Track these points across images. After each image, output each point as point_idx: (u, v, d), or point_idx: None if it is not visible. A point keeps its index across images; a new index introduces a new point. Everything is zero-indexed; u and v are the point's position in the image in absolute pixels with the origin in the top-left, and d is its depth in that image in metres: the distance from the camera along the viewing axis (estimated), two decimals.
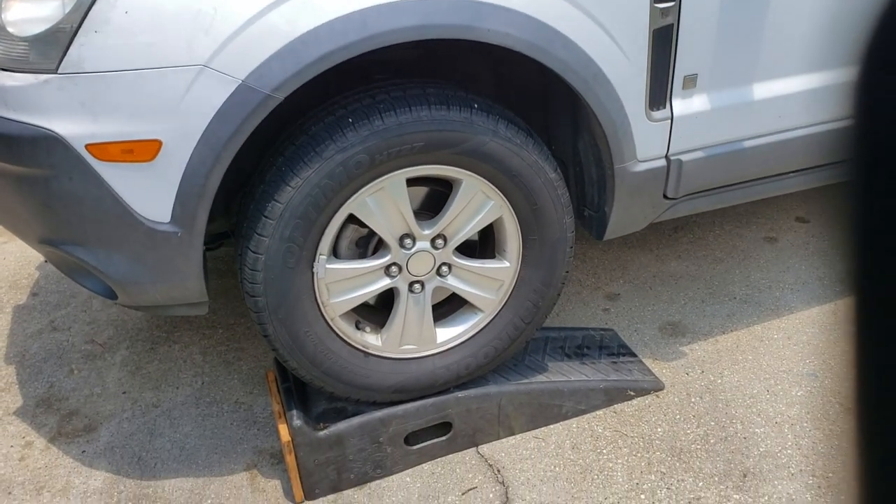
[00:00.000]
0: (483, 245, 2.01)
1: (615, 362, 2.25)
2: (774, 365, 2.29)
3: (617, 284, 2.72)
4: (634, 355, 2.31)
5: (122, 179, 1.59)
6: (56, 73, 1.52)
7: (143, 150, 1.56)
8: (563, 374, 2.14)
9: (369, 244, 1.87)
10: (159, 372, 2.47)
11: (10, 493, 2.04)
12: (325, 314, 1.83)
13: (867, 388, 0.45)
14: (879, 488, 0.46)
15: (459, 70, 2.07)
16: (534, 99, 2.10)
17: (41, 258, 3.21)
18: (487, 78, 2.12)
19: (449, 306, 2.03)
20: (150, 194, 1.61)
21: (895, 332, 0.42)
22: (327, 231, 1.74)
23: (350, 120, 1.66)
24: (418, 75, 1.91)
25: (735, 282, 2.70)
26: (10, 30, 1.56)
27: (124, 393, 2.39)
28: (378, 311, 1.98)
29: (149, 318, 2.74)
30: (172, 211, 1.62)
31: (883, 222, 0.42)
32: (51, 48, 1.52)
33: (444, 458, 2.04)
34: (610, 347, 2.32)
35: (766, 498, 1.86)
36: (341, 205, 1.72)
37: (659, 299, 2.63)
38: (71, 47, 1.51)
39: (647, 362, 2.30)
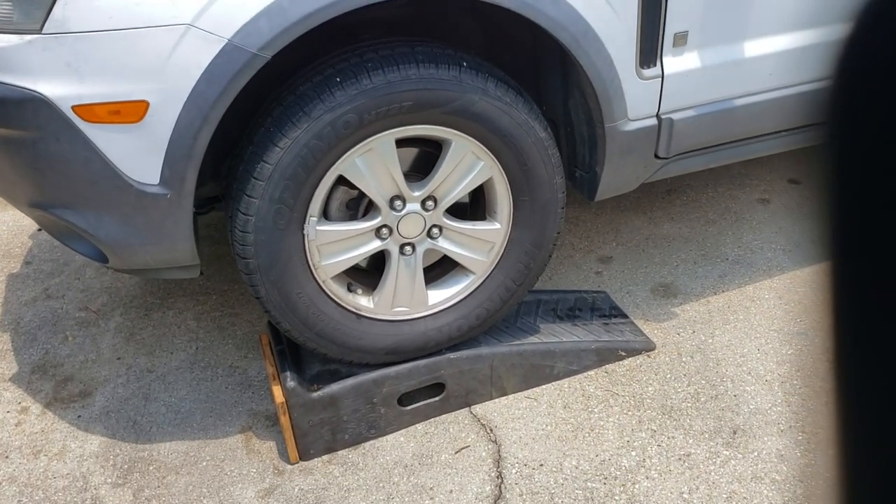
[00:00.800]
0: (473, 207, 2.01)
1: (607, 324, 2.26)
2: (765, 324, 2.31)
3: (609, 247, 2.72)
4: (626, 316, 2.32)
5: (109, 141, 1.58)
6: (40, 33, 1.51)
7: (130, 112, 1.55)
8: (555, 335, 2.15)
9: (360, 206, 1.87)
10: (153, 338, 2.48)
11: (7, 457, 2.05)
12: (316, 276, 1.83)
13: (844, 355, 0.45)
14: (858, 450, 0.46)
15: (450, 29, 2.05)
16: (524, 58, 2.09)
17: (34, 227, 3.20)
18: (478, 37, 2.11)
19: (440, 268, 2.03)
20: (139, 156, 1.60)
21: (869, 296, 0.42)
22: (317, 192, 1.74)
23: (338, 79, 1.65)
24: (409, 35, 1.90)
25: (727, 243, 2.71)
26: None
27: (119, 359, 2.40)
28: (370, 273, 1.99)
29: (142, 284, 2.75)
30: (161, 173, 1.62)
31: (858, 186, 0.41)
32: (34, 7, 1.51)
33: (437, 419, 2.05)
34: (602, 309, 2.33)
35: (756, 454, 1.88)
36: (330, 166, 1.71)
37: (651, 261, 2.63)
38: (55, 7, 1.49)
39: (639, 323, 2.32)
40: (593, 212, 2.93)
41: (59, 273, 2.88)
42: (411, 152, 1.88)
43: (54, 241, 3.12)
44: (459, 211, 1.97)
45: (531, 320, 2.21)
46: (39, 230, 3.20)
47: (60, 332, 2.55)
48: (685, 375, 2.13)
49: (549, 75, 2.03)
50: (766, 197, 2.98)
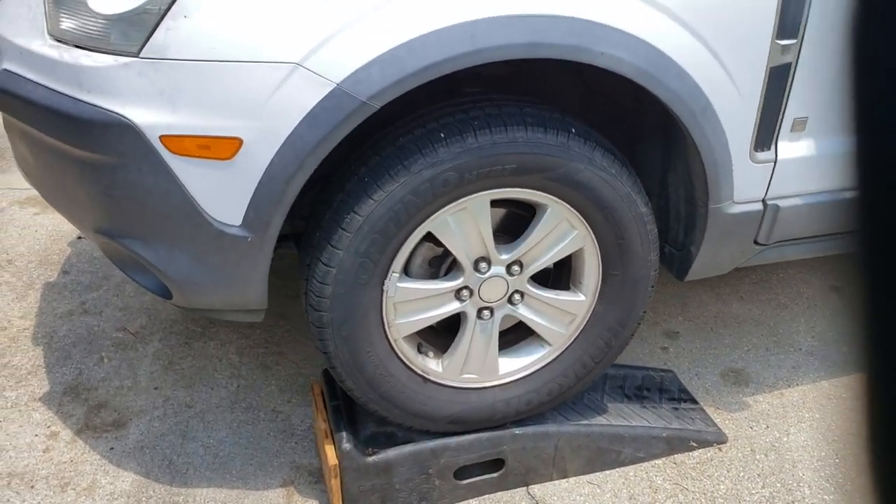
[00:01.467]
0: (557, 274, 1.90)
1: (676, 409, 2.13)
2: (843, 427, 2.17)
3: (676, 322, 2.60)
4: (696, 402, 2.19)
5: (194, 176, 1.48)
6: (137, 56, 1.42)
7: (220, 148, 1.45)
8: (624, 417, 2.02)
9: (442, 264, 1.76)
10: (193, 369, 2.37)
11: (32, 486, 1.94)
12: (388, 335, 1.72)
13: (884, 466, 0.42)
14: None
15: (545, 85, 1.95)
16: (620, 121, 1.98)
17: (74, 234, 3.11)
18: (574, 94, 2.00)
19: (514, 335, 1.91)
20: (223, 195, 1.50)
21: None
22: (403, 248, 1.63)
23: (442, 135, 1.54)
24: (500, 86, 1.80)
25: (800, 331, 2.58)
26: (92, 5, 1.46)
27: (156, 389, 2.28)
28: (440, 334, 1.87)
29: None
30: (245, 214, 1.51)
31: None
32: (134, 30, 1.42)
33: (492, 496, 1.92)
34: (670, 391, 2.20)
35: None
36: (421, 222, 1.61)
37: (721, 342, 2.50)
38: (157, 31, 1.40)
39: (709, 411, 2.18)
40: (660, 282, 2.80)
41: (98, 287, 2.78)
42: (499, 212, 1.78)
43: (94, 251, 3.02)
44: (542, 277, 1.86)
45: (598, 397, 2.08)
46: (80, 238, 3.10)
47: (96, 353, 2.44)
48: (759, 475, 2.00)
49: (649, 145, 1.92)
50: (839, 285, 2.85)
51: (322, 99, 1.41)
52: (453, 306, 1.75)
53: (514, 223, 1.78)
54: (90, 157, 1.51)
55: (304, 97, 1.41)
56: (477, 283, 1.73)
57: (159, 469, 2.01)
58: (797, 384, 2.33)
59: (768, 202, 1.82)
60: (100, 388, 2.28)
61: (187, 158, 1.47)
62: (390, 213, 1.55)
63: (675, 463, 2.02)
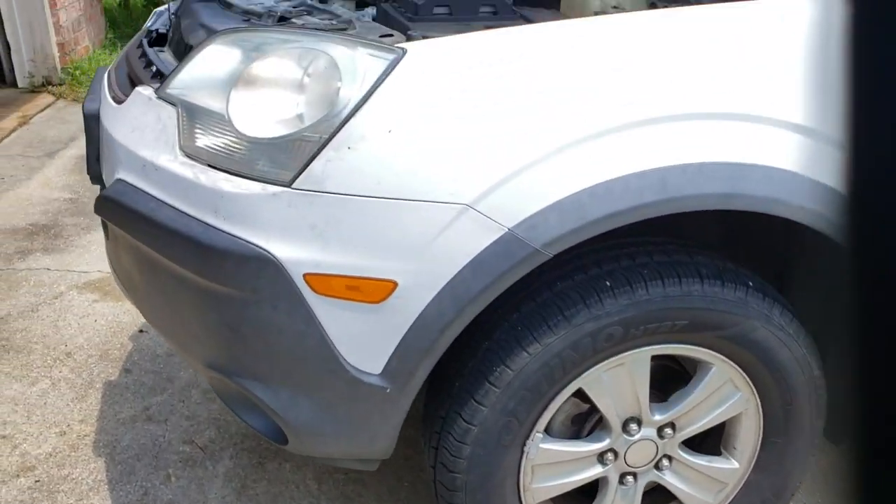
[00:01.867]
0: (703, 436, 1.70)
1: None
2: None
3: None
4: None
5: (336, 319, 1.32)
6: (289, 187, 1.28)
7: (371, 290, 1.30)
8: None
9: (585, 423, 1.57)
10: (269, 496, 2.16)
11: None
12: (523, 500, 1.52)
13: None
14: None
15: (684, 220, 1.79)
16: (766, 265, 1.81)
17: (135, 327, 2.95)
18: (715, 230, 1.84)
19: (649, 497, 1.71)
20: (366, 341, 1.34)
21: None
22: (550, 406, 1.45)
23: (608, 283, 1.38)
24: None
25: None
26: (238, 126, 1.33)
27: None
28: (571, 496, 1.67)
29: None
30: (387, 363, 1.34)
31: None
32: (288, 158, 1.28)
33: None
34: None
35: None
36: (574, 378, 1.43)
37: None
38: (315, 161, 1.26)
39: None
40: None
41: (162, 391, 2.60)
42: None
43: (157, 348, 2.85)
44: (688, 439, 1.66)
45: None
46: (141, 332, 2.95)
47: (162, 468, 2.24)
48: None
49: (801, 298, 1.75)
50: None
51: (491, 244, 1.26)
52: (595, 471, 1.55)
53: (663, 378, 1.60)
54: (218, 289, 1.36)
55: (472, 241, 1.26)
56: (624, 445, 1.54)
57: None
58: None
59: None
60: None
61: (332, 299, 1.31)
62: (545, 368, 1.38)
63: None
